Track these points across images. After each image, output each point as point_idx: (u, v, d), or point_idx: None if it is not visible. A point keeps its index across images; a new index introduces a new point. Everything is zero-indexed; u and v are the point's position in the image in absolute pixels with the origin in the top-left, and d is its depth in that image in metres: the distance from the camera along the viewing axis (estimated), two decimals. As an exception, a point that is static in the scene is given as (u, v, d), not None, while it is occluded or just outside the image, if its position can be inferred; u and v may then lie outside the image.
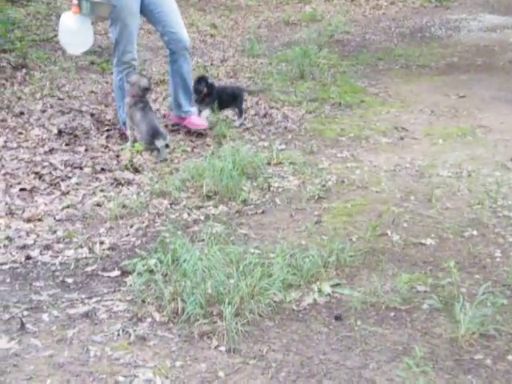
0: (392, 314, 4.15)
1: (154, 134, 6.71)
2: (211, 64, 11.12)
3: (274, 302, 4.20)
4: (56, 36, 10.03)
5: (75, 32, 6.75)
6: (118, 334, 3.88)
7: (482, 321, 3.92)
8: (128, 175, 6.33)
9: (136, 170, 6.45)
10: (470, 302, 4.04)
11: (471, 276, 4.57)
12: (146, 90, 7.03)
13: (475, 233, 5.22)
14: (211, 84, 7.87)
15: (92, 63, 10.57)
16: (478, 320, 3.91)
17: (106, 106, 8.49)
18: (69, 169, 6.44)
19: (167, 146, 6.90)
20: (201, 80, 7.78)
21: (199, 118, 7.73)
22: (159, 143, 6.72)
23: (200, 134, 7.58)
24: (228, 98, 7.98)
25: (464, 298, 4.14)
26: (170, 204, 5.77)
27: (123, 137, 7.34)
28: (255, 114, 8.49)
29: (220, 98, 7.85)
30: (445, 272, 4.55)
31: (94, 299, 4.28)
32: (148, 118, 6.85)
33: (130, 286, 4.37)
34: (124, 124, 7.26)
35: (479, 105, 9.00)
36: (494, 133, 7.78)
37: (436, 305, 4.20)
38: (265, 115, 8.38)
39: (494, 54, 12.16)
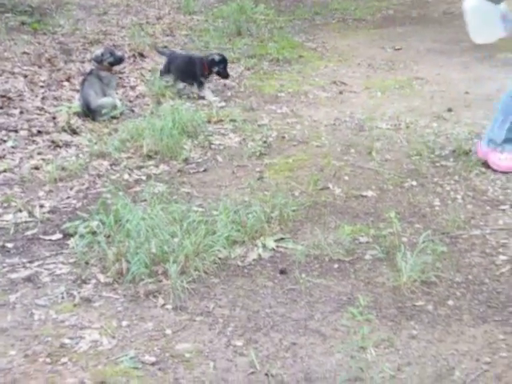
0: (335, 265, 4.20)
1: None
2: (146, 22, 10.93)
3: (219, 258, 4.21)
4: None
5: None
6: (62, 297, 3.84)
7: (422, 268, 4.01)
8: (66, 137, 6.21)
9: (74, 132, 6.34)
10: (411, 250, 4.13)
11: (411, 225, 4.65)
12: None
13: (414, 183, 5.31)
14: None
15: (23, 23, 10.26)
16: (419, 268, 3.99)
17: (40, 67, 8.27)
18: (4, 132, 6.28)
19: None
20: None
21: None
22: None
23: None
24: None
25: (405, 247, 4.23)
26: (111, 165, 5.69)
27: (59, 98, 7.19)
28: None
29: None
30: (386, 222, 4.62)
31: (36, 263, 4.22)
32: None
33: (73, 248, 4.31)
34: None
35: (415, 57, 9.10)
36: (431, 84, 7.88)
37: (378, 255, 4.27)
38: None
39: (428, 6, 12.27)
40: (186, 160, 5.77)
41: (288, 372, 3.24)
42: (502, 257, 4.26)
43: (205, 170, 5.61)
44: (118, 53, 7.45)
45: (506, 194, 5.10)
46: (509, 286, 3.96)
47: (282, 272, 4.13)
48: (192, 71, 7.47)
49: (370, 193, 5.16)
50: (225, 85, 7.94)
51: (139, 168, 5.63)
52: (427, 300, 3.83)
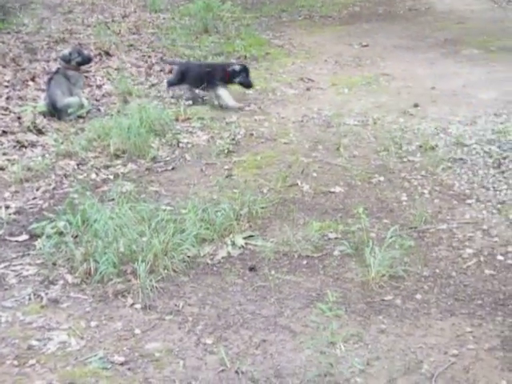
0: (305, 261, 4.22)
1: None
2: (112, 20, 10.85)
3: (188, 257, 4.20)
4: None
5: None
6: (30, 298, 3.80)
7: (390, 263, 4.04)
8: (31, 137, 6.14)
9: (39, 132, 6.26)
10: (379, 245, 4.15)
11: (379, 221, 4.68)
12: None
13: (382, 179, 5.34)
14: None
15: (-15, 23, 10.13)
16: (387, 262, 4.02)
17: (4, 66, 8.16)
18: (-33, 133, 6.19)
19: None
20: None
21: None
22: None
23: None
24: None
25: (373, 242, 4.25)
26: (77, 164, 5.64)
27: (24, 98, 7.10)
28: (160, 70, 8.36)
29: None
30: (354, 218, 4.64)
31: (2, 265, 4.17)
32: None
33: (40, 249, 4.27)
34: None
35: (382, 53, 9.15)
36: (397, 80, 7.93)
37: (347, 250, 4.29)
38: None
39: (394, 3, 12.35)
40: (154, 158, 5.74)
41: (258, 369, 3.24)
42: (468, 250, 4.31)
43: (173, 169, 5.59)
44: (86, 52, 7.38)
45: (472, 188, 5.15)
46: (475, 278, 4.01)
47: (252, 269, 4.14)
48: (212, 79, 7.12)
49: (338, 189, 5.18)
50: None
51: (106, 167, 5.59)
52: (395, 294, 3.86)
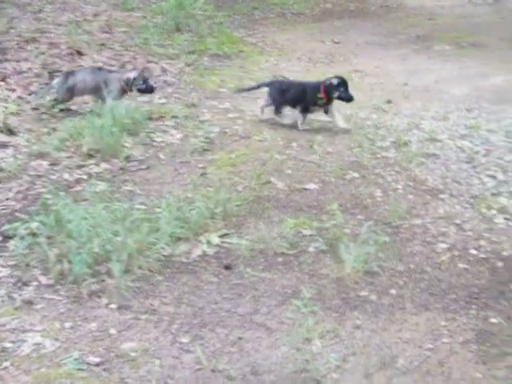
0: (280, 259, 4.22)
1: None
2: (84, 19, 10.75)
3: (163, 256, 4.18)
4: None
5: None
6: (3, 300, 3.76)
7: (365, 259, 4.06)
8: (3, 138, 6.07)
9: (11, 132, 6.19)
10: (354, 241, 4.17)
11: (354, 217, 4.70)
12: None
13: (356, 175, 5.37)
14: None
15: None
16: (362, 258, 4.04)
17: (-26, 67, 8.06)
18: None
19: None
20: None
21: None
22: None
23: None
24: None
25: (348, 238, 4.27)
26: (50, 165, 5.58)
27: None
28: (133, 69, 8.30)
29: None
30: (329, 215, 4.66)
31: (-25, 267, 4.12)
32: None
33: (13, 250, 4.22)
34: None
35: (354, 50, 9.19)
36: (370, 77, 7.97)
37: (322, 247, 4.30)
38: (143, 70, 8.21)
39: (365, 0, 12.39)
40: (127, 158, 5.70)
41: (234, 366, 3.24)
42: (442, 245, 4.35)
43: (147, 168, 5.56)
44: (151, 82, 6.94)
45: (445, 184, 5.19)
46: (449, 273, 4.04)
47: (227, 267, 4.13)
48: (304, 98, 6.53)
49: (312, 186, 5.20)
50: (165, 81, 7.87)
51: (80, 167, 5.54)
52: (370, 290, 3.88)
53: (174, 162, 5.69)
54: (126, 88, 6.66)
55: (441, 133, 6.13)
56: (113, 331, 3.52)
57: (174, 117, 6.62)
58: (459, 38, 9.56)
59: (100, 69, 6.99)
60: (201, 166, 5.59)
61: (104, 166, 5.58)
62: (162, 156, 5.81)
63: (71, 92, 6.63)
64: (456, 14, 11.16)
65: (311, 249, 4.32)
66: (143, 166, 5.58)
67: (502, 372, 3.18)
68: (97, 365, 3.27)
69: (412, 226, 4.58)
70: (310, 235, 4.47)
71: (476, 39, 9.52)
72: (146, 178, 5.38)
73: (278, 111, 6.60)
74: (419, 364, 3.25)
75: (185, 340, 3.45)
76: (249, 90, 7.12)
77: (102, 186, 5.09)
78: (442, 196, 5.00)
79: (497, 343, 3.39)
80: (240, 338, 3.46)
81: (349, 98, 6.51)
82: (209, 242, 4.39)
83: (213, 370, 3.22)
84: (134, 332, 3.52)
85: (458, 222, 4.64)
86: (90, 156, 5.72)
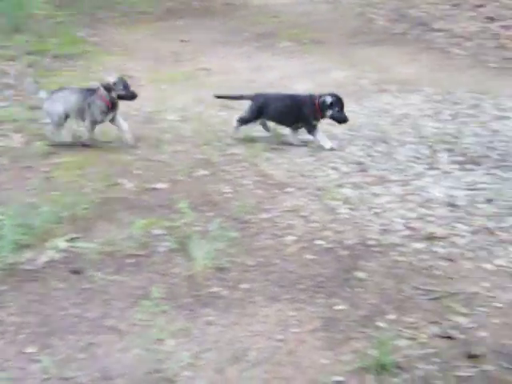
0: (130, 260, 4.17)
1: None
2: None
3: (8, 264, 4.03)
4: None
5: None
6: None
7: (216, 255, 4.09)
8: None
9: None
10: (204, 238, 4.19)
11: (204, 214, 4.72)
12: None
13: (205, 172, 5.40)
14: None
15: None
16: (212, 255, 4.07)
17: None
18: None
19: None
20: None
21: None
22: None
23: None
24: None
25: (198, 235, 4.28)
26: None
27: None
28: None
29: None
30: (179, 213, 4.65)
31: None
32: None
33: None
34: None
35: (200, 48, 9.22)
36: (216, 74, 8.03)
37: (172, 246, 4.29)
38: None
39: (209, -3, 12.45)
40: (-36, 164, 5.44)
41: (84, 373, 3.17)
42: (290, 237, 4.45)
43: (-13, 174, 5.34)
44: (131, 89, 6.06)
45: (291, 177, 5.32)
46: (297, 264, 4.14)
47: (75, 272, 4.03)
48: (301, 113, 6.05)
49: (161, 185, 5.17)
50: (5, 83, 7.57)
51: None
52: (222, 286, 3.91)
53: (17, 166, 5.48)
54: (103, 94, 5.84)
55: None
56: (-46, 347, 3.35)
57: (15, 120, 6.38)
58: (300, 35, 9.79)
59: None
60: (46, 169, 5.43)
61: None
62: (3, 161, 5.59)
63: None
64: (297, 12, 11.40)
65: (162, 248, 4.30)
66: (-17, 173, 5.35)
67: (348, 356, 3.29)
68: None
69: (261, 221, 4.66)
70: (161, 235, 4.45)
71: (315, 36, 9.79)
72: (-14, 184, 5.16)
73: (242, 124, 6.13)
74: (270, 355, 3.31)
75: (32, 350, 3.33)
76: (230, 98, 6.58)
77: None
78: (288, 189, 5.12)
79: (342, 329, 3.50)
80: (91, 344, 3.39)
81: (344, 119, 6.04)
82: (56, 248, 4.26)
83: (61, 378, 3.13)
84: (-23, 346, 3.37)
85: (304, 214, 4.76)
86: None
